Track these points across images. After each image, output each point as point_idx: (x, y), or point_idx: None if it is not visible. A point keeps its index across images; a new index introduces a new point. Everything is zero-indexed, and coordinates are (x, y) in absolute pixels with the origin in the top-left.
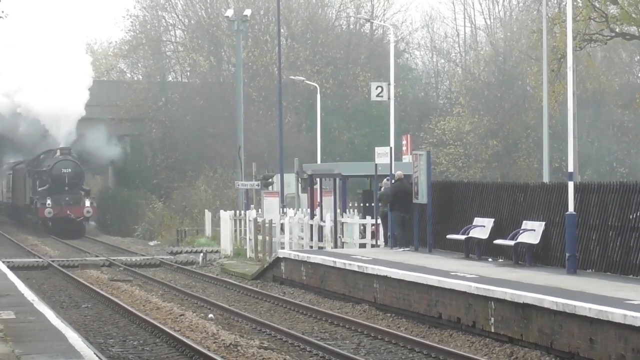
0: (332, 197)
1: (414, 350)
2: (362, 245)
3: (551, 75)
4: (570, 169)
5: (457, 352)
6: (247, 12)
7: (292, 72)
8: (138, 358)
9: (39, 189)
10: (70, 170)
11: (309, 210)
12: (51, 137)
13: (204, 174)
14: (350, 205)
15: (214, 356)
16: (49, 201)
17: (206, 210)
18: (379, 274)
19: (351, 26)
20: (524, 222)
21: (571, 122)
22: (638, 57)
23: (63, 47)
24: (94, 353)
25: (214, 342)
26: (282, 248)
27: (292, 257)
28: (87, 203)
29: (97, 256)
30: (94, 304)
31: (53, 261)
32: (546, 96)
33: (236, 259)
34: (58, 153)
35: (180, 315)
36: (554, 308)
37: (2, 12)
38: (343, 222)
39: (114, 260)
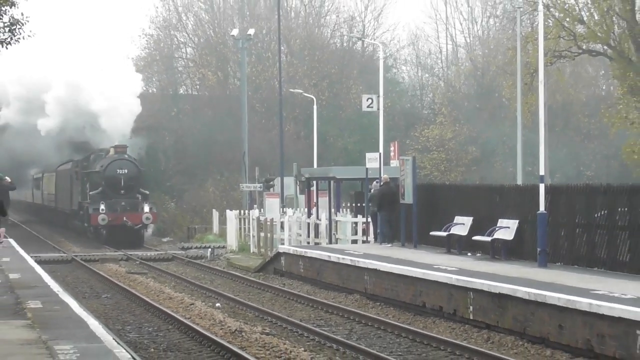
0: (327, 197)
1: (401, 335)
2: (354, 241)
3: (524, 88)
4: (542, 172)
5: (440, 337)
6: (251, 31)
7: (291, 85)
8: (153, 343)
9: (91, 193)
10: (126, 171)
11: (306, 209)
12: (104, 134)
13: (212, 177)
14: (343, 205)
15: (220, 341)
16: (102, 206)
17: (214, 210)
18: (369, 267)
19: (344, 44)
20: (500, 220)
21: (542, 130)
22: (603, 72)
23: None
24: (113, 339)
25: (221, 329)
26: (282, 244)
27: (291, 252)
28: (146, 208)
29: (115, 251)
30: (113, 294)
31: (76, 256)
32: (520, 107)
33: (241, 254)
34: (111, 152)
35: (191, 304)
36: (527, 297)
37: (30, 31)
38: (337, 221)
39: (130, 255)
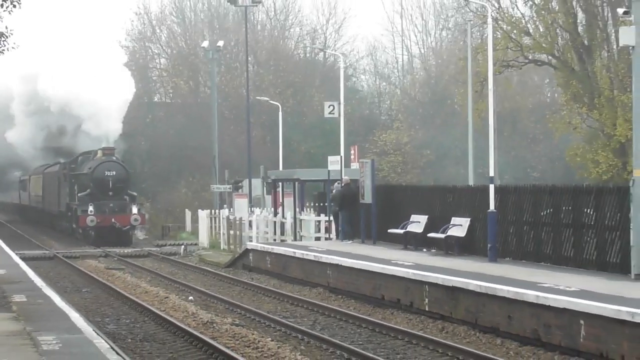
0: (292, 198)
1: (361, 326)
2: (317, 238)
3: (475, 96)
4: (491, 174)
5: (397, 327)
6: (220, 43)
7: (258, 93)
8: (130, 334)
9: (79, 195)
10: (114, 172)
11: (272, 209)
12: (90, 135)
13: (185, 179)
14: (307, 204)
15: (193, 332)
16: (91, 208)
17: (187, 210)
18: (331, 262)
19: (307, 55)
20: (453, 218)
21: (492, 135)
22: (547, 80)
23: (96, 38)
24: (93, 330)
25: (194, 320)
26: (250, 241)
27: (259, 249)
28: (135, 210)
29: (94, 248)
30: (92, 288)
31: (58, 253)
32: (471, 113)
33: (212, 250)
34: (99, 154)
35: (165, 298)
36: (478, 290)
37: (14, 43)
38: (301, 219)
39: (109, 251)
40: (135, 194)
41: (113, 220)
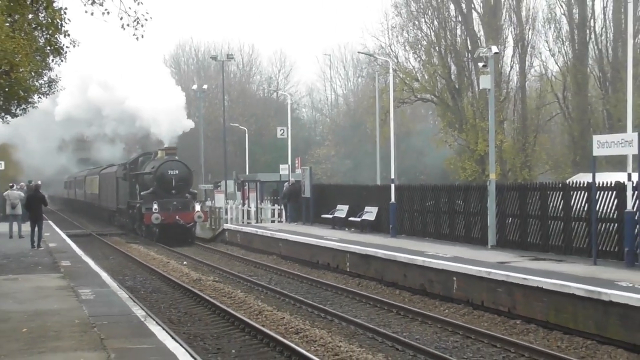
0: (255, 193)
1: (303, 282)
2: (273, 221)
3: (381, 123)
4: (392, 176)
5: (328, 282)
6: (205, 86)
7: (231, 121)
8: (142, 287)
9: (142, 193)
10: (177, 171)
11: (241, 201)
12: (152, 137)
13: None
14: (265, 198)
15: (187, 286)
16: (155, 206)
17: None
18: (282, 237)
19: (265, 94)
20: (366, 207)
21: (392, 149)
22: (430, 112)
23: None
24: (117, 285)
25: (187, 278)
26: (226, 223)
27: (232, 229)
28: (197, 207)
29: (117, 230)
30: (116, 256)
31: (92, 232)
32: (378, 135)
33: (200, 230)
34: (160, 154)
35: (167, 262)
36: (384, 257)
37: (62, 86)
38: (261, 208)
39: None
40: (195, 191)
41: (177, 217)
